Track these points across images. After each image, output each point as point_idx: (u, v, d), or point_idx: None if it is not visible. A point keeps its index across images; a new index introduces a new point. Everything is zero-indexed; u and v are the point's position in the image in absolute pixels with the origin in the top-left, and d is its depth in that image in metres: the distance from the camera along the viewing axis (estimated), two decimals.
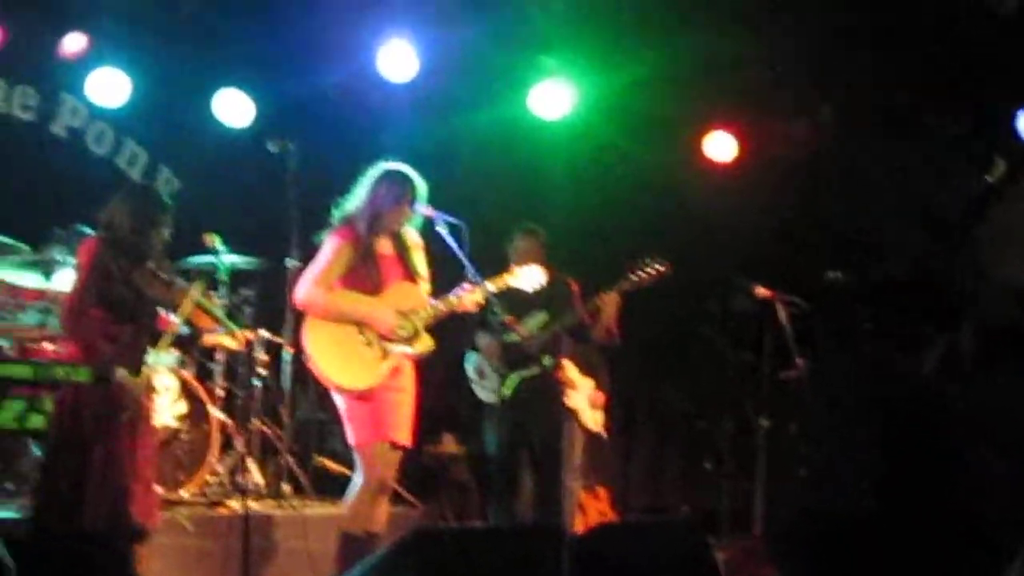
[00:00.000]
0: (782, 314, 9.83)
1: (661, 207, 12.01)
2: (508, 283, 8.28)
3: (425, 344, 7.98)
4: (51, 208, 9.82)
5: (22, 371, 6.81)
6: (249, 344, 9.73)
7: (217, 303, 7.66)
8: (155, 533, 7.71)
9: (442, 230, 7.95)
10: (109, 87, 10.86)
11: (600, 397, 10.22)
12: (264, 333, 10.02)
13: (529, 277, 8.37)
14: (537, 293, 9.00)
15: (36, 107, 11.04)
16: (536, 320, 9.43)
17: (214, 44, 11.06)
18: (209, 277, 8.06)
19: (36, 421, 7.52)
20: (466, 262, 7.92)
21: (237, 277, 10.09)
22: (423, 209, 7.98)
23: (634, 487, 12.42)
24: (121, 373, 7.34)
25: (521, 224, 9.76)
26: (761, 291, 9.98)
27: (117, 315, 7.46)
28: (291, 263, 9.60)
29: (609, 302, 9.39)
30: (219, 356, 9.92)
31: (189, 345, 9.20)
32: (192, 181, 11.53)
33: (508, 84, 11.84)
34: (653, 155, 11.85)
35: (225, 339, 8.63)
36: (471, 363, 9.66)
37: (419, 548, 6.32)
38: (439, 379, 9.04)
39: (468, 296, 8.02)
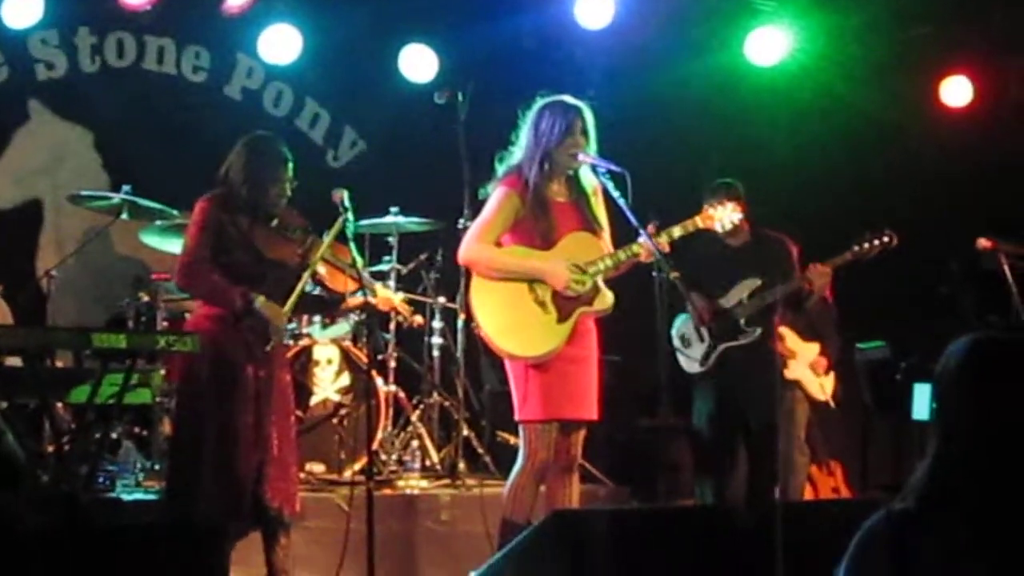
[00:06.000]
0: (1005, 267, 8.93)
1: (891, 158, 11.13)
2: (698, 225, 7.20)
3: (604, 301, 7.01)
4: None
5: (116, 341, 6.15)
6: (431, 309, 9.37)
7: (357, 262, 6.93)
8: (303, 517, 7.16)
9: (605, 179, 7.00)
10: (281, 44, 10.39)
11: (823, 362, 9.39)
12: (441, 300, 9.45)
13: (723, 217, 7.29)
14: (751, 255, 8.68)
15: (208, 68, 10.67)
16: (747, 285, 8.73)
17: None
18: (348, 237, 7.32)
19: (142, 396, 7.02)
20: (630, 215, 6.90)
21: (414, 242, 9.60)
22: (583, 156, 7.02)
23: (875, 463, 11.50)
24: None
25: (715, 180, 8.93)
26: (982, 243, 9.01)
27: (234, 278, 6.85)
28: (463, 223, 8.82)
29: (821, 274, 8.65)
30: (392, 326, 9.34)
31: (333, 309, 8.52)
32: (376, 142, 11.06)
33: (719, 30, 11.09)
34: (879, 102, 10.97)
35: (372, 300, 7.78)
36: (677, 328, 8.88)
37: (558, 532, 6.00)
38: (660, 344, 8.20)
39: (653, 244, 6.87)
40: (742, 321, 8.67)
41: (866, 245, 8.65)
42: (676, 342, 8.89)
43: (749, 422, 8.86)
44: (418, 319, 8.88)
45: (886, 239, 8.66)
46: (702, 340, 8.64)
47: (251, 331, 6.82)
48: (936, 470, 3.14)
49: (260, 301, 6.78)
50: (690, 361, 8.84)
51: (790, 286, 8.69)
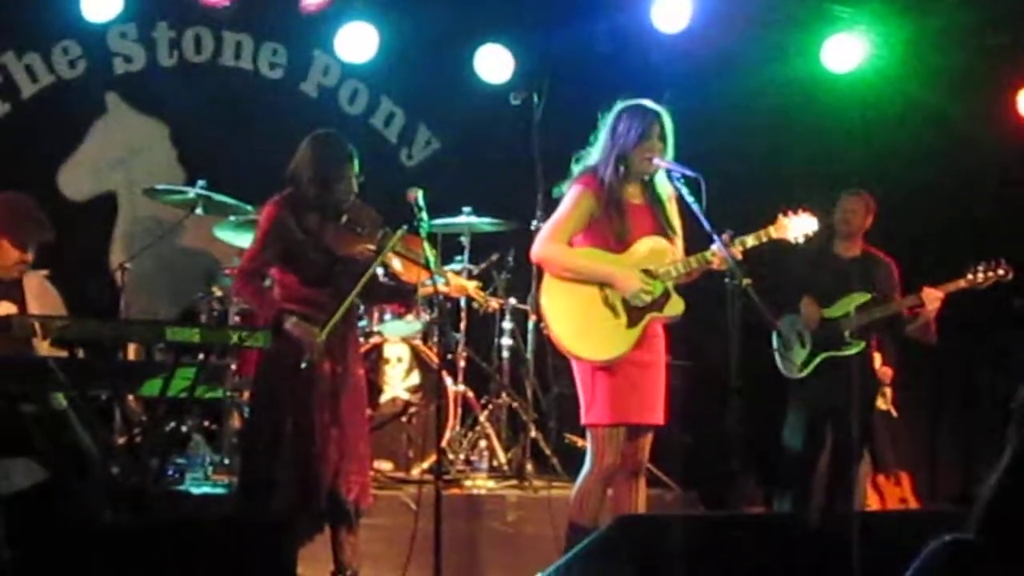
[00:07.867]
0: None
1: (968, 167, 10.94)
2: (772, 236, 7.07)
3: (675, 307, 6.94)
4: None
5: (189, 335, 6.19)
6: (501, 310, 9.38)
7: (430, 253, 6.91)
8: (370, 514, 7.17)
9: (679, 184, 6.93)
10: (358, 42, 10.43)
11: (887, 372, 9.35)
12: (511, 301, 9.43)
13: (796, 227, 7.12)
14: (861, 269, 8.79)
15: (285, 65, 10.71)
16: (856, 298, 8.75)
17: None
18: (423, 236, 7.29)
19: (213, 390, 7.06)
20: (704, 220, 6.82)
21: (486, 242, 9.62)
22: (658, 161, 6.97)
23: (943, 474, 11.40)
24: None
25: (849, 186, 9.12)
26: None
27: (307, 278, 6.88)
28: (536, 224, 8.78)
29: (934, 299, 8.66)
30: (462, 325, 9.36)
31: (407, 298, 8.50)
32: (450, 142, 11.09)
33: (796, 36, 11.02)
34: (956, 110, 10.79)
35: (445, 288, 7.75)
36: (782, 329, 8.80)
37: (622, 537, 5.94)
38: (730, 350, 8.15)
39: (726, 251, 6.77)
40: (847, 333, 8.66)
41: (980, 275, 8.65)
42: (776, 344, 8.88)
43: (836, 434, 8.87)
44: (494, 303, 8.91)
45: (1001, 272, 8.65)
46: (803, 346, 8.64)
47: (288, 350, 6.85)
48: (997, 501, 3.06)
49: (291, 322, 6.80)
50: (788, 365, 8.84)
51: (893, 308, 8.70)
